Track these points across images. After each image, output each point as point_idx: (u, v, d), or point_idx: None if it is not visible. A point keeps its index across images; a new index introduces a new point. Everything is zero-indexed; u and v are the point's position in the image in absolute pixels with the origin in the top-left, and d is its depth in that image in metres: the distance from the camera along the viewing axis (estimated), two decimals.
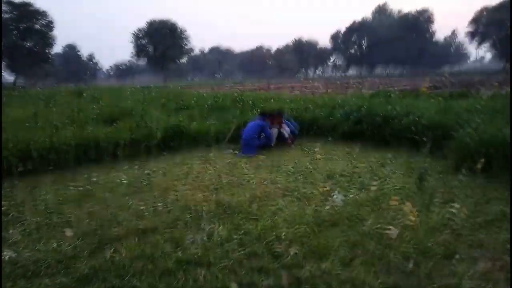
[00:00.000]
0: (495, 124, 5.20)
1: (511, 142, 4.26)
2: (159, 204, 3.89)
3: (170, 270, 2.54)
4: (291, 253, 2.72)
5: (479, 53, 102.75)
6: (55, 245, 3.01)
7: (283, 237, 3.00)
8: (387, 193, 4.02)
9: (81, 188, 4.58)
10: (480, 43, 70.35)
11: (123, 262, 2.69)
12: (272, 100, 10.99)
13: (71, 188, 4.58)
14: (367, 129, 6.59)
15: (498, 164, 4.32)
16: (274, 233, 3.06)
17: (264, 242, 2.91)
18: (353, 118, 6.96)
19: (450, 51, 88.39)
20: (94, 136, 6.11)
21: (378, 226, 3.16)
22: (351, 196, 3.99)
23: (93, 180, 4.91)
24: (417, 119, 6.04)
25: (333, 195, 4.04)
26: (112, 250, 2.91)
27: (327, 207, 3.64)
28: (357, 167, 5.13)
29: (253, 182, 4.62)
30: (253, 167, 5.37)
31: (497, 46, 64.31)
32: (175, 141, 6.66)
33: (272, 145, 6.63)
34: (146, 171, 5.29)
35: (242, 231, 3.14)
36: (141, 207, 3.82)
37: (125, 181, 4.79)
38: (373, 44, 77.84)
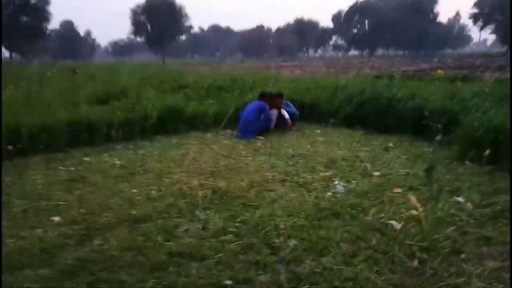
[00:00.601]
0: (503, 110, 4.99)
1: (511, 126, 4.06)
2: (152, 189, 3.72)
3: (161, 263, 2.38)
4: (290, 246, 2.56)
5: (482, 35, 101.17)
6: (40, 232, 2.85)
7: (282, 227, 2.84)
8: (390, 180, 3.86)
9: (72, 170, 4.40)
10: (483, 26, 69.01)
11: (112, 253, 2.54)
12: (273, 80, 10.71)
13: (61, 170, 4.40)
14: (370, 113, 6.36)
15: (506, 153, 4.13)
16: (272, 222, 2.90)
17: (262, 233, 2.75)
18: (356, 101, 6.73)
19: (453, 33, 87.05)
20: (87, 116, 5.89)
21: (382, 217, 3.00)
22: (353, 183, 3.82)
23: (85, 162, 4.73)
24: (422, 102, 5.81)
25: (334, 181, 3.88)
26: (100, 239, 2.75)
27: (328, 195, 3.48)
28: (359, 152, 4.95)
29: (251, 166, 4.44)
30: (252, 151, 5.19)
31: (500, 29, 63.17)
32: (172, 122, 6.44)
33: (272, 128, 6.42)
34: (140, 153, 5.11)
35: (238, 220, 2.98)
36: (134, 192, 3.65)
37: (118, 164, 4.61)
38: (375, 25, 76.46)
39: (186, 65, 28.73)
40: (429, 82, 10.46)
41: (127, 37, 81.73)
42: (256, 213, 3.10)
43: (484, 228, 2.81)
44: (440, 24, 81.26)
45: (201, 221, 2.97)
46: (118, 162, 4.69)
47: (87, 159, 4.87)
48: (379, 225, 2.86)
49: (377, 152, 4.95)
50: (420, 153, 4.87)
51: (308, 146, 5.31)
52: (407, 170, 4.15)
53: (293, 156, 4.81)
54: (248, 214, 3.08)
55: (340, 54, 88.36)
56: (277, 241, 2.64)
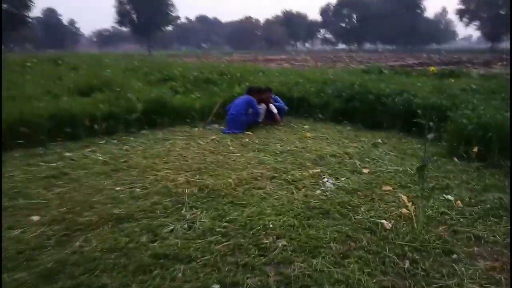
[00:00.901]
0: (491, 106, 5.01)
1: (511, 125, 4.06)
2: (137, 186, 3.60)
3: (145, 266, 2.28)
4: (279, 247, 2.49)
5: (467, 31, 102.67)
6: (18, 233, 2.71)
7: (271, 226, 2.76)
8: (380, 178, 3.82)
9: (53, 166, 4.23)
10: (469, 22, 69.91)
11: (94, 254, 2.42)
12: (261, 73, 10.60)
13: (42, 166, 4.23)
14: (359, 108, 6.32)
15: (495, 149, 4.14)
16: (261, 222, 2.83)
17: (251, 233, 2.67)
18: (345, 95, 6.67)
19: (439, 28, 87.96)
20: (69, 109, 5.68)
21: (372, 215, 2.96)
22: (342, 180, 3.77)
23: (66, 157, 4.56)
24: (411, 98, 5.78)
25: (324, 177, 3.83)
26: (82, 239, 2.63)
27: (318, 192, 3.42)
28: (348, 148, 4.90)
29: (239, 162, 4.35)
30: (240, 146, 5.09)
31: (485, 25, 64.12)
32: (157, 115, 6.28)
33: (260, 122, 6.32)
34: (124, 148, 4.96)
35: (226, 220, 2.89)
36: (118, 190, 3.52)
37: (101, 159, 4.45)
38: (363, 19, 76.64)
39: (172, 56, 28.26)
40: (417, 77, 10.51)
41: (112, 27, 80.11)
42: (244, 212, 3.02)
43: (474, 226, 2.79)
44: (427, 19, 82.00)
45: (188, 221, 2.87)
46: (101, 157, 4.53)
47: (68, 154, 4.69)
48: (369, 224, 2.81)
49: (366, 149, 4.91)
50: (408, 150, 4.85)
51: (297, 142, 5.24)
52: (396, 167, 4.12)
53: (281, 152, 4.73)
54: (236, 213, 2.99)
55: (328, 47, 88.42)
56: (266, 241, 2.56)
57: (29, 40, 58.35)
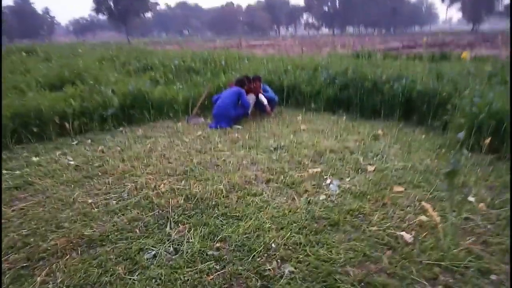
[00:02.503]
0: (498, 92, 4.66)
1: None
2: (113, 197, 3.11)
3: None
4: (286, 274, 2.07)
5: (448, 14, 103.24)
6: None
7: (273, 246, 2.33)
8: (388, 176, 3.42)
9: (16, 174, 3.69)
10: (450, 4, 70.18)
11: None
12: (247, 60, 10.06)
13: (3, 175, 3.67)
14: (354, 96, 5.90)
15: (508, 140, 3.79)
16: (261, 240, 2.39)
17: (250, 256, 2.23)
18: (339, 82, 6.24)
19: (421, 11, 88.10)
20: (36, 105, 5.08)
21: (388, 225, 2.56)
22: (347, 180, 3.36)
23: (32, 163, 4.01)
24: (411, 84, 5.39)
25: (326, 178, 3.41)
26: (45, 273, 2.15)
27: (322, 198, 2.99)
28: (348, 142, 4.49)
29: (229, 162, 3.88)
30: (229, 143, 4.61)
31: (466, 7, 64.39)
32: (136, 110, 5.73)
33: (249, 113, 5.84)
34: (99, 149, 4.42)
35: (219, 237, 2.44)
36: (90, 202, 3.03)
37: (72, 164, 3.92)
38: (346, 2, 75.98)
39: (152, 44, 27.20)
40: (407, 61, 10.15)
41: (89, 15, 77.20)
42: (240, 226, 2.57)
43: (506, 235, 2.42)
44: (409, 2, 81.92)
45: (173, 242, 2.41)
46: (72, 162, 4.00)
47: (36, 159, 4.14)
48: (387, 237, 2.41)
49: (367, 142, 4.51)
50: (413, 142, 4.47)
51: (291, 136, 4.80)
52: (403, 163, 3.73)
53: (275, 149, 4.29)
54: (230, 228, 2.54)
55: (311, 32, 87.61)
56: (269, 267, 2.13)
57: (2, 31, 55.63)
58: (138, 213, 2.81)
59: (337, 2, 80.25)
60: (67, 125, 5.01)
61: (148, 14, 73.92)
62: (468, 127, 4.08)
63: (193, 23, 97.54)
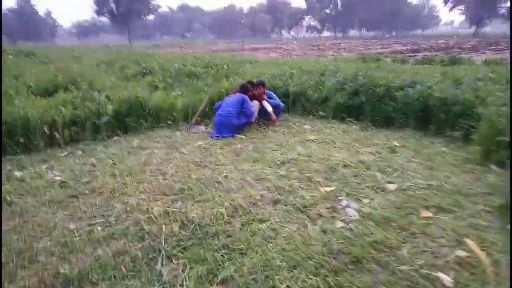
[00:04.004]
0: None
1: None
2: (98, 222, 2.72)
3: None
4: None
5: (449, 16, 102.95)
6: None
7: None
8: (412, 198, 3.01)
9: None
10: (453, 6, 69.69)
11: None
12: (250, 64, 9.69)
13: None
14: (367, 103, 5.50)
15: None
16: (270, 283, 1.99)
17: None
18: (348, 88, 5.84)
19: (423, 13, 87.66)
20: (24, 114, 4.69)
21: (421, 263, 2.15)
22: (365, 202, 2.96)
23: (15, 178, 3.62)
24: (428, 91, 4.98)
25: (341, 199, 3.01)
26: None
27: (339, 226, 2.59)
28: (362, 155, 4.09)
29: (232, 179, 3.49)
30: (232, 155, 4.21)
31: (469, 9, 63.90)
32: (132, 117, 5.33)
33: (253, 121, 5.44)
34: (89, 162, 4.03)
35: (220, 279, 2.05)
36: (72, 228, 2.63)
37: (58, 180, 3.53)
38: (348, 4, 75.65)
39: (154, 47, 26.93)
40: (415, 65, 9.77)
41: (92, 17, 77.16)
42: (244, 263, 2.17)
43: None
44: (411, 4, 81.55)
45: (164, 285, 2.01)
46: (59, 177, 3.61)
47: (19, 173, 3.75)
48: (422, 280, 2.01)
49: (383, 155, 4.11)
50: (433, 155, 4.06)
51: (299, 147, 4.40)
52: (427, 181, 3.32)
53: (283, 163, 3.89)
54: (233, 266, 2.14)
55: (313, 35, 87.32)
56: None
57: (3, 33, 55.49)
58: (125, 243, 2.41)
59: (339, 4, 79.90)
60: (56, 134, 4.62)
61: (150, 17, 73.72)
62: (494, 140, 3.68)
63: (195, 26, 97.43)
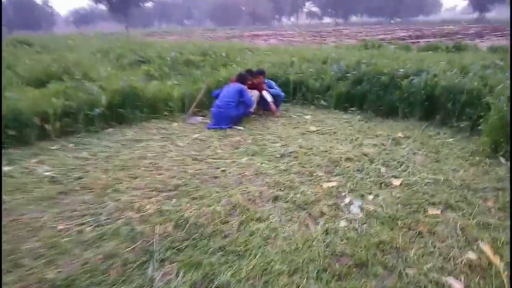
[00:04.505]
0: None
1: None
2: (88, 221, 2.58)
3: None
4: None
5: (451, 2, 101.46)
6: None
7: None
8: (417, 193, 2.87)
9: None
10: None
11: None
12: (249, 52, 9.46)
13: None
14: (369, 92, 5.32)
15: None
16: None
17: None
18: (351, 76, 5.65)
19: None
20: (13, 105, 4.52)
21: (429, 266, 2.02)
22: (370, 198, 2.82)
23: (4, 173, 3.47)
24: (434, 79, 4.80)
25: (344, 196, 2.87)
26: None
27: (342, 224, 2.45)
28: (365, 147, 3.93)
29: (229, 173, 3.35)
30: (230, 148, 4.06)
31: None
32: (127, 108, 5.16)
33: (252, 111, 5.28)
34: (81, 156, 3.88)
35: (216, 284, 1.91)
36: (60, 229, 2.50)
37: (48, 175, 3.39)
38: None
39: (152, 35, 26.54)
40: (421, 52, 9.54)
41: (89, 4, 76.08)
42: (242, 266, 2.04)
43: None
44: None
45: None
46: (49, 172, 3.46)
47: (9, 168, 3.60)
48: (430, 285, 1.87)
49: (387, 147, 3.95)
50: (440, 147, 3.91)
51: (300, 139, 4.25)
52: (433, 175, 3.18)
53: (282, 156, 3.74)
54: (229, 270, 2.01)
55: (313, 21, 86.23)
56: None
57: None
58: (116, 245, 2.28)
59: None
60: (48, 127, 4.46)
61: (149, 4, 72.65)
62: (504, 131, 3.52)
63: (194, 13, 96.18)
